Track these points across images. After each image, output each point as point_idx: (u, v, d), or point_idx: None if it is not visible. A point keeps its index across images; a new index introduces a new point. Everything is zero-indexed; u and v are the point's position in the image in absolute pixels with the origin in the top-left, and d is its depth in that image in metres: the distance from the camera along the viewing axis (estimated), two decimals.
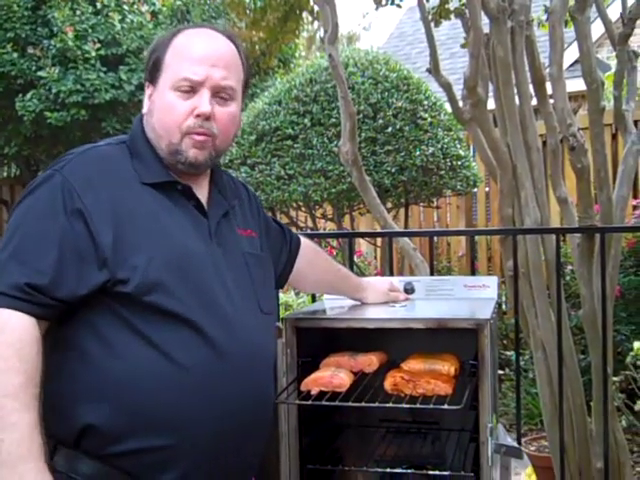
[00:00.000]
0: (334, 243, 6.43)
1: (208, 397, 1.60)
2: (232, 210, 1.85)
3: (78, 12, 8.44)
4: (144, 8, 8.99)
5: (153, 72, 1.74)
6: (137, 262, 1.58)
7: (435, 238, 6.06)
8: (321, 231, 6.50)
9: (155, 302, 1.58)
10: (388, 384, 1.97)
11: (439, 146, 5.70)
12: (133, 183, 1.67)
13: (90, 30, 8.42)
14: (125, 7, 8.77)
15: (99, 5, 8.59)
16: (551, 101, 3.42)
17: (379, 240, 6.67)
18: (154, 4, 9.25)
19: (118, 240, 1.58)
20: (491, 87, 3.41)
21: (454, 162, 5.82)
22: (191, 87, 1.68)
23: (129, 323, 1.58)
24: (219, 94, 1.71)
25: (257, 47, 6.36)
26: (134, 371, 1.56)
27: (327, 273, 2.24)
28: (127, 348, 1.57)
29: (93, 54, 8.30)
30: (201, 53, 1.71)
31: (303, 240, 2.17)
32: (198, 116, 1.68)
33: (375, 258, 7.71)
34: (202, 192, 1.79)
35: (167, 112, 1.70)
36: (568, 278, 4.87)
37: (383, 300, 2.28)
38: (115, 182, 1.65)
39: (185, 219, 1.70)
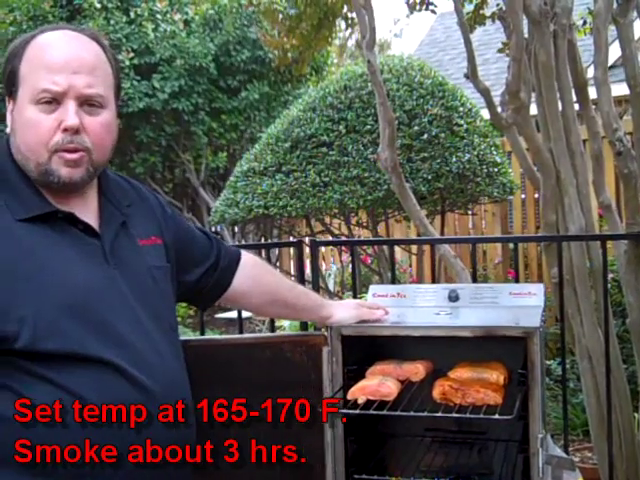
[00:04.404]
0: (369, 250, 6.39)
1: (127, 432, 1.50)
2: (129, 218, 1.67)
3: (112, 22, 8.54)
4: (177, 17, 9.07)
5: (9, 86, 1.56)
6: (24, 312, 1.43)
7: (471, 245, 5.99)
8: (362, 238, 6.47)
9: (53, 349, 1.45)
10: (437, 393, 1.93)
11: (475, 153, 5.63)
12: (4, 221, 1.49)
13: (124, 39, 8.51)
14: (158, 16, 8.86)
15: (133, 15, 8.69)
16: (592, 106, 3.37)
17: (414, 248, 6.62)
18: (187, 13, 9.34)
19: None
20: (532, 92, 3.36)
21: (490, 169, 5.74)
22: (53, 99, 1.51)
23: (34, 373, 1.46)
24: (87, 103, 1.54)
25: (289, 55, 6.37)
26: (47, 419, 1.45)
27: (277, 290, 2.01)
28: (38, 398, 1.45)
29: (127, 63, 8.38)
30: (60, 59, 1.52)
31: (246, 255, 1.98)
32: (66, 130, 1.51)
33: (410, 266, 7.66)
34: (90, 208, 1.62)
35: (30, 130, 1.52)
36: (609, 286, 4.77)
37: (355, 316, 2.07)
38: None
39: (73, 249, 1.53)
